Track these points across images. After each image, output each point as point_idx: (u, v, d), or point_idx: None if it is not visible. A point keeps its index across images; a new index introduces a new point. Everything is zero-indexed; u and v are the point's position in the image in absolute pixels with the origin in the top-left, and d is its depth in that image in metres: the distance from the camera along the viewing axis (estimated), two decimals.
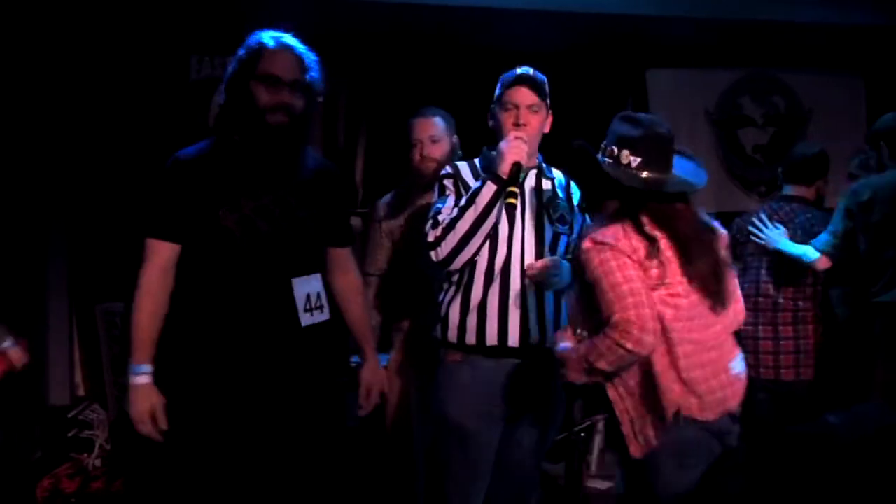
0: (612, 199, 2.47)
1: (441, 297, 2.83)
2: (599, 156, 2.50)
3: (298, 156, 2.58)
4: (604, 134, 2.73)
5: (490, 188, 2.64)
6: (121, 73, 4.57)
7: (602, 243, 2.36)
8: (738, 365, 2.50)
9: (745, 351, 3.61)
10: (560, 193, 2.87)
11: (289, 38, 2.53)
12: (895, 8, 4.92)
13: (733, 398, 2.43)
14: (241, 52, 2.52)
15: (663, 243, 2.38)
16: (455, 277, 2.78)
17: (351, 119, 5.09)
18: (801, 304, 3.61)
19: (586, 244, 2.40)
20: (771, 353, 3.62)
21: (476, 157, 2.90)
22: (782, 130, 5.45)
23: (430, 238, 2.68)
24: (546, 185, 2.86)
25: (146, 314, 2.48)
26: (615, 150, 2.45)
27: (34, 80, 4.41)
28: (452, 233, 2.65)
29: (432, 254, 2.69)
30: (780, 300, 3.61)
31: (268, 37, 2.51)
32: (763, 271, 3.65)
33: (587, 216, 2.80)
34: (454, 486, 2.77)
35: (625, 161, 2.44)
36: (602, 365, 2.31)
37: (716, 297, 2.43)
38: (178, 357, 2.51)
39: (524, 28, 4.65)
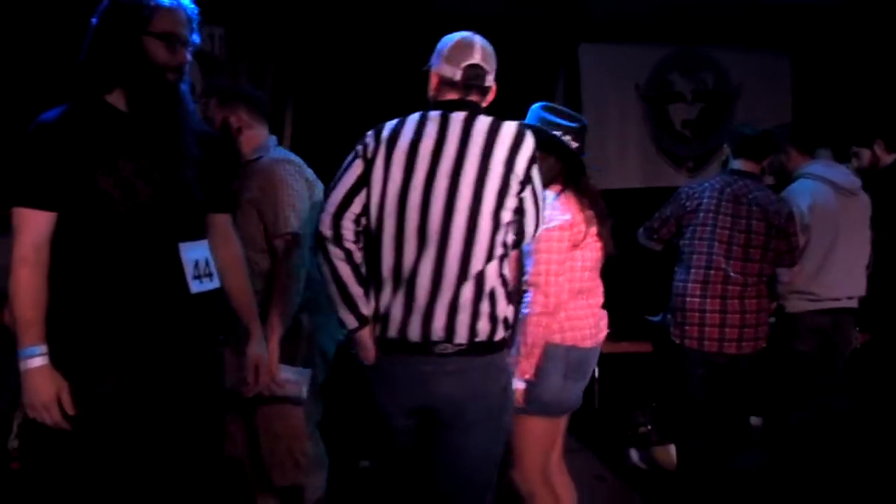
0: (556, 175, 2.94)
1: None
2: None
3: (186, 116, 2.45)
4: None
5: None
6: None
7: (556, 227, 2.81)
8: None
9: (690, 323, 3.65)
10: None
11: None
12: None
13: (603, 330, 3.06)
14: (121, 5, 2.32)
15: (589, 212, 2.93)
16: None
17: (278, 88, 4.94)
18: (749, 279, 3.61)
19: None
20: (717, 326, 3.61)
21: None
22: (711, 106, 5.50)
23: None
24: None
25: (28, 290, 2.27)
26: (559, 134, 2.91)
27: None
28: None
29: None
30: (731, 273, 3.61)
31: None
32: (715, 243, 3.61)
33: None
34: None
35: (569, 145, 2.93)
36: (540, 344, 2.84)
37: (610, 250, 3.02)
38: (65, 337, 2.30)
39: None
